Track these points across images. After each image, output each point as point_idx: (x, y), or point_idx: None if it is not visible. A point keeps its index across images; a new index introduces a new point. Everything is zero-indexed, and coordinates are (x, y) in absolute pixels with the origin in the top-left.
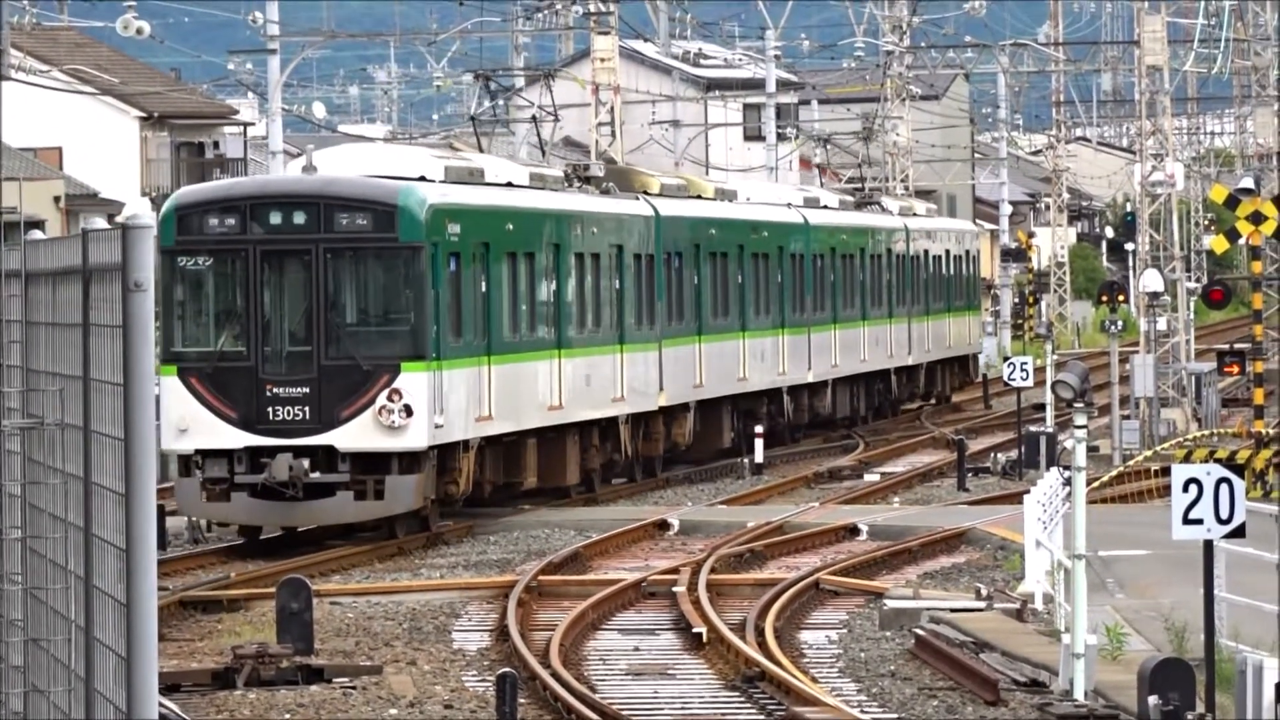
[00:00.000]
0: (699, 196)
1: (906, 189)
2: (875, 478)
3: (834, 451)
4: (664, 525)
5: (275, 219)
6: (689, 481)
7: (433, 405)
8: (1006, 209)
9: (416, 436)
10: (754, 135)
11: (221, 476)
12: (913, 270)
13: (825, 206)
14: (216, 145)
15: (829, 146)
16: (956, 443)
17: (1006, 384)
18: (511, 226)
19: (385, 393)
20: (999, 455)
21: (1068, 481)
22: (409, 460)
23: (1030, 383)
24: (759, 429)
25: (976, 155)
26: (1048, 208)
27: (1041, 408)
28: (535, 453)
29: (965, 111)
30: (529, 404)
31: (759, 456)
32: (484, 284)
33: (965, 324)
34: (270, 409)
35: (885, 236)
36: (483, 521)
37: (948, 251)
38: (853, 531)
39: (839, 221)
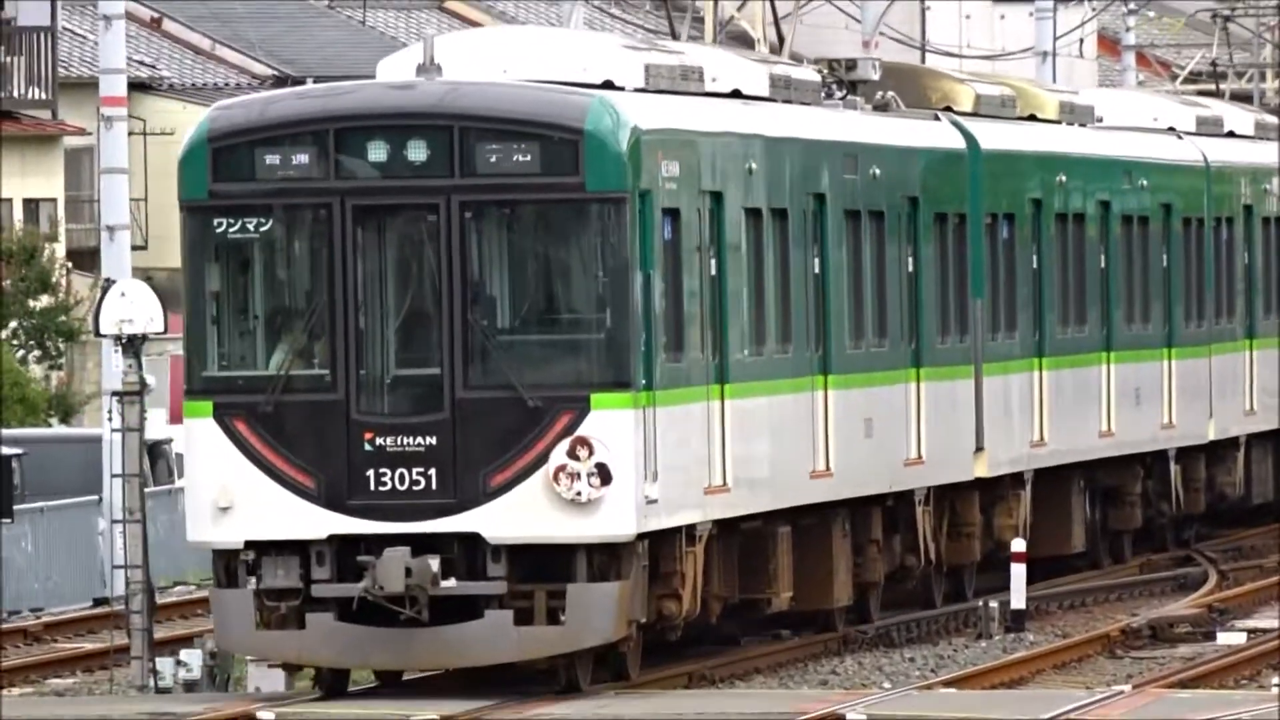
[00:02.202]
0: (1034, 116)
1: None
2: (1237, 638)
3: (1161, 588)
4: None
5: (378, 153)
6: (885, 644)
7: (643, 465)
8: None
9: (618, 517)
10: None
11: (291, 586)
12: None
13: (1233, 134)
14: None
15: (1155, 14)
16: None
17: None
18: (755, 166)
19: (565, 444)
20: None
21: None
22: (604, 558)
23: None
24: (1013, 545)
25: None
26: None
27: None
28: (790, 550)
29: None
30: (783, 467)
31: (1019, 597)
32: (714, 263)
33: None
34: (372, 473)
35: None
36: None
37: None
38: None
39: (1259, 160)
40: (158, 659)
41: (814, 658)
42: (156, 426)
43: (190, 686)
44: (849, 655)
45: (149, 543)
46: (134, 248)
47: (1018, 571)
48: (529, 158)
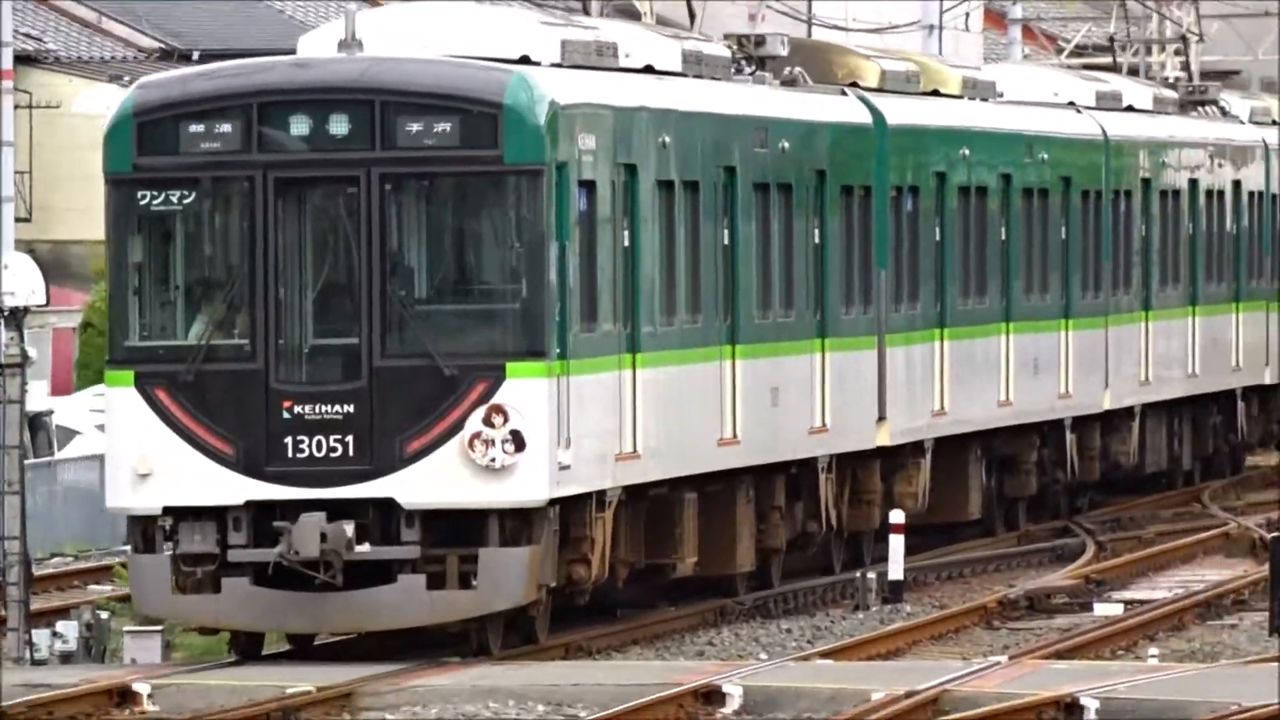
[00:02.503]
0: (937, 91)
1: (1185, 67)
2: (1114, 609)
3: (1039, 559)
4: (714, 697)
5: (300, 127)
6: (763, 615)
7: (556, 433)
8: (1250, 92)
9: (531, 483)
10: None
11: (208, 551)
12: (1274, 220)
13: (1131, 108)
14: None
15: None
16: (1270, 544)
17: None
18: (668, 140)
19: (481, 412)
20: None
21: None
22: (516, 524)
23: None
24: (892, 516)
25: None
26: None
27: None
28: (695, 516)
29: None
30: (691, 435)
31: (896, 568)
32: (627, 235)
33: None
34: (290, 440)
35: (1233, 162)
36: (372, 688)
37: None
38: (1071, 713)
39: (1156, 134)
40: (34, 631)
41: (691, 629)
42: (38, 399)
43: (66, 658)
44: (726, 627)
45: (27, 514)
46: (17, 219)
47: (896, 543)
48: (448, 131)
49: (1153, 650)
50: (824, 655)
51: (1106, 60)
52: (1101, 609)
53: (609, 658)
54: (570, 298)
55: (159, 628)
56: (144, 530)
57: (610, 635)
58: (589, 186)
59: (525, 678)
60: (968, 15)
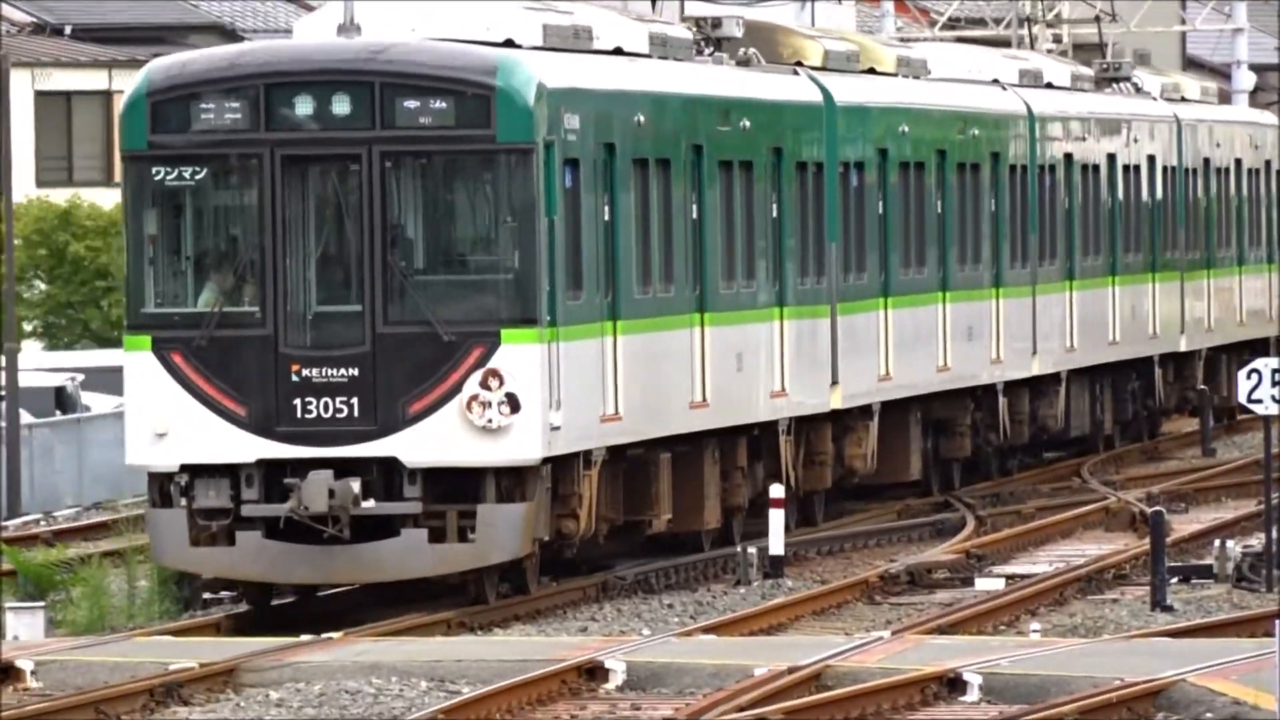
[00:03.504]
0: (872, 70)
1: (1057, 40)
2: (995, 584)
3: (920, 533)
4: (597, 673)
5: (304, 107)
6: (645, 590)
7: (548, 395)
8: (1246, 79)
9: (526, 443)
10: None
11: (222, 506)
12: (1186, 193)
13: (1051, 85)
14: None
15: None
16: (1149, 518)
17: (1244, 409)
18: (642, 120)
19: (478, 375)
20: (1229, 544)
21: None
22: (512, 481)
23: None
24: (772, 491)
25: None
26: None
27: None
28: (670, 476)
29: None
30: (666, 399)
31: (777, 543)
32: (607, 209)
33: (1264, 286)
34: (298, 402)
35: (1147, 136)
36: (250, 665)
37: (1238, 162)
38: (953, 688)
39: (1077, 110)
40: None
41: (573, 604)
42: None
43: None
44: (608, 602)
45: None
46: None
47: (776, 517)
48: (445, 111)
49: (1034, 625)
50: (706, 630)
51: (981, 34)
52: (983, 584)
53: (490, 633)
54: (558, 269)
55: (41, 603)
56: (161, 486)
57: (491, 611)
58: (573, 164)
59: (408, 653)
60: None
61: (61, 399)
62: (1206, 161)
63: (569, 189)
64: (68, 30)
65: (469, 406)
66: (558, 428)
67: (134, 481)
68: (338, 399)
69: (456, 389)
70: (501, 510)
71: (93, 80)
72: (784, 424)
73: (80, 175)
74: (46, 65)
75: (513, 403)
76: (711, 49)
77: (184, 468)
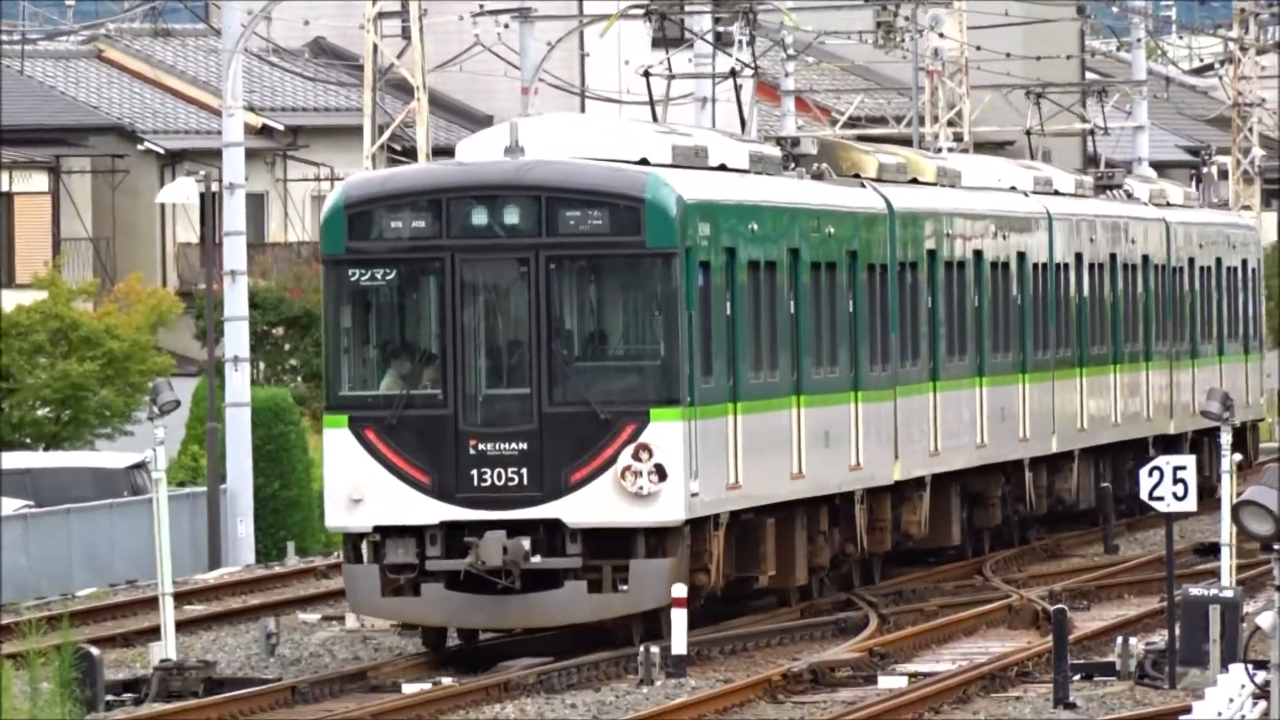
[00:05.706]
0: (916, 180)
1: (958, 138)
2: (898, 682)
3: (823, 631)
4: None
5: (479, 218)
6: (547, 690)
7: (689, 466)
8: (1146, 176)
9: (671, 507)
10: (669, 40)
11: (408, 562)
12: (1174, 289)
13: (1059, 192)
14: None
15: (814, 59)
16: (1052, 616)
17: (1148, 505)
18: (755, 227)
19: (630, 449)
20: (1132, 641)
21: (1264, 691)
22: (657, 540)
23: (1192, 505)
24: (674, 590)
25: (1092, 75)
26: (1223, 173)
27: (1213, 550)
28: (774, 538)
29: None
30: (772, 470)
31: (680, 642)
32: (728, 304)
33: (1241, 374)
34: (475, 472)
35: (1142, 237)
36: None
37: (1219, 261)
38: None
39: (1085, 212)
40: None
41: (474, 704)
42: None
43: None
44: (510, 702)
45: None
46: None
47: (678, 616)
48: (601, 221)
49: None
50: None
51: (880, 131)
52: (886, 682)
53: None
54: (695, 356)
55: None
56: (355, 545)
57: (392, 713)
58: (705, 266)
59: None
60: (739, 86)
61: None
62: (1192, 261)
63: (701, 288)
64: None
65: (623, 475)
66: (696, 494)
67: (37, 583)
68: (509, 469)
69: (612, 460)
70: (650, 565)
71: None
72: (859, 494)
73: None
74: None
75: (660, 472)
76: (793, 164)
77: (376, 529)
